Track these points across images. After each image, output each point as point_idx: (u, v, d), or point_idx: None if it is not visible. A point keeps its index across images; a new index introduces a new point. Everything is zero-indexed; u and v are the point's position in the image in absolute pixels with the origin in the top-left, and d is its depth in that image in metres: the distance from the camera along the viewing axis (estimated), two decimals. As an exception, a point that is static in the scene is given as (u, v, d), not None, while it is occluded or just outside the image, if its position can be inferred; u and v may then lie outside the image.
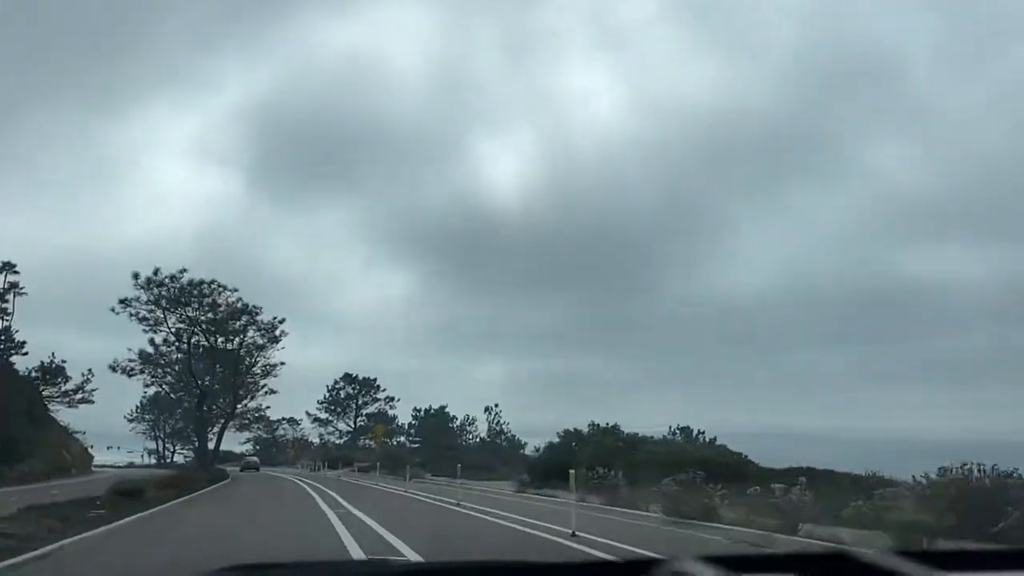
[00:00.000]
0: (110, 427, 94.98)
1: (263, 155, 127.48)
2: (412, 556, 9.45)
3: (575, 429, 30.60)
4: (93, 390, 63.84)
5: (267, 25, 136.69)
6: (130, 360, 43.67)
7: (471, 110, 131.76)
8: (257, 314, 50.47)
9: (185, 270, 41.55)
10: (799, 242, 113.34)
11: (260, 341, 48.49)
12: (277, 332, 52.38)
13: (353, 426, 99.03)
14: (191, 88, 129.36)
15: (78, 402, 67.74)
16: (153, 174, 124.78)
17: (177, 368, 45.92)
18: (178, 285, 40.27)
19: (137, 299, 40.60)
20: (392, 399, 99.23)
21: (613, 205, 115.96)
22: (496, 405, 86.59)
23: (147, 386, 44.01)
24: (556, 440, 31.90)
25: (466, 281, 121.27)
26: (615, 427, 28.92)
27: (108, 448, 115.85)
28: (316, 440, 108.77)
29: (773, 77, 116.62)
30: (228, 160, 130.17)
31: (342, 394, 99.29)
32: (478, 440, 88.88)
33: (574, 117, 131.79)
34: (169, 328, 41.71)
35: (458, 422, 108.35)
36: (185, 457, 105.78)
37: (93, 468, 60.38)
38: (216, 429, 73.82)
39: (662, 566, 1.23)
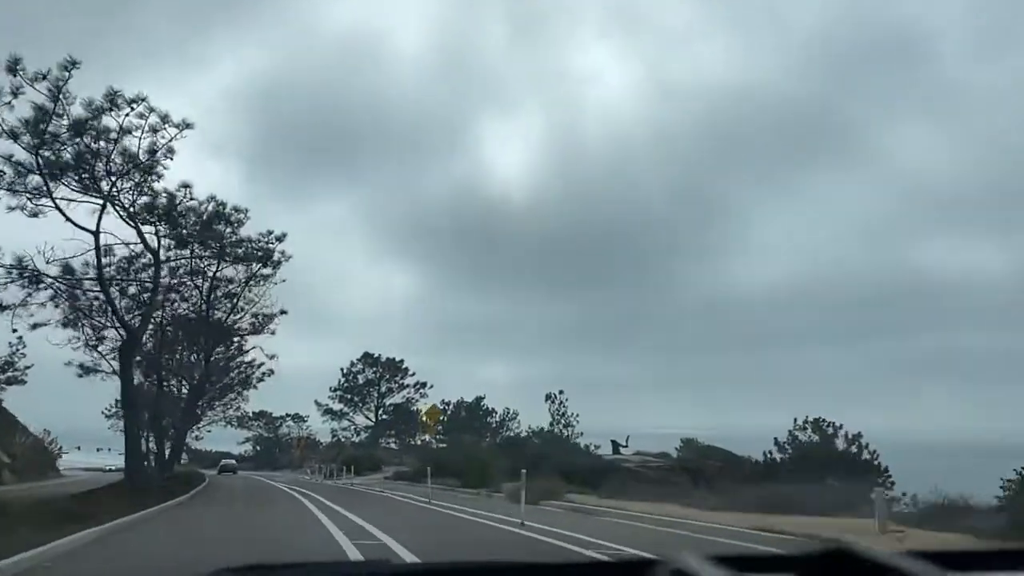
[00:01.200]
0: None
1: (263, 140, 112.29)
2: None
3: None
4: (27, 367, 47.02)
5: (262, 2, 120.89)
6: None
7: (478, 92, 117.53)
8: (240, 223, 29.79)
9: (74, 65, 20.70)
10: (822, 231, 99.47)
11: (240, 252, 27.72)
12: (274, 255, 31.66)
13: (374, 419, 77.81)
14: (185, 70, 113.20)
15: (5, 383, 51.00)
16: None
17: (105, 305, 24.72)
18: (65, 104, 18.82)
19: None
20: (423, 385, 78.10)
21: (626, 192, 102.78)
22: (561, 391, 63.10)
23: (32, 328, 22.85)
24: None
25: (472, 276, 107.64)
26: None
27: (98, 450, 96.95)
28: (328, 438, 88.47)
29: (793, 58, 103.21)
30: (226, 145, 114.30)
31: (360, 379, 78.17)
32: (532, 437, 67.28)
33: (586, 100, 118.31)
34: (54, 203, 20.23)
35: (497, 416, 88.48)
36: (181, 460, 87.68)
37: (63, 472, 51.31)
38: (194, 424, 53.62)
39: (662, 565, 1.17)
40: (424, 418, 30.55)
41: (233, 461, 68.77)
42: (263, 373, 59.23)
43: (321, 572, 1.65)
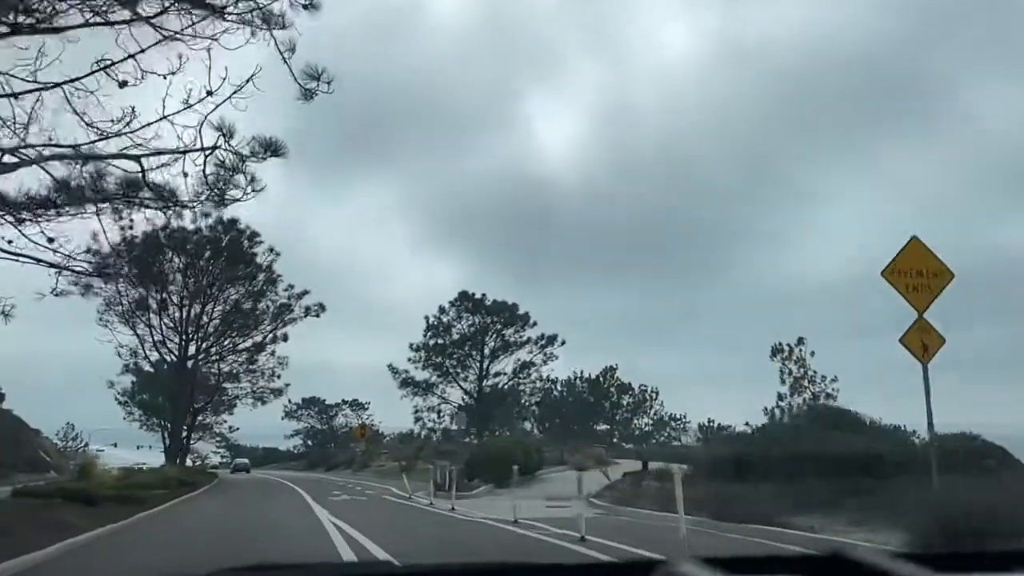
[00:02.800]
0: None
1: (299, 130, 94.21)
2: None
3: None
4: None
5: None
6: None
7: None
8: None
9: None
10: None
11: None
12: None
13: (477, 393, 50.34)
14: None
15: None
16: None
17: None
18: None
19: None
20: (552, 341, 50.63)
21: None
22: (800, 340, 32.06)
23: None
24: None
25: (521, 264, 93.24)
26: None
27: (138, 447, 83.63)
28: (397, 429, 64.30)
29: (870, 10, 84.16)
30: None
31: (455, 333, 50.74)
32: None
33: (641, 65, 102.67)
34: None
35: (634, 393, 62.18)
36: (207, 457, 70.02)
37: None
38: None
39: (660, 567, 1.22)
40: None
41: (246, 460, 63.75)
42: (307, 308, 33.87)
43: (322, 572, 1.68)
